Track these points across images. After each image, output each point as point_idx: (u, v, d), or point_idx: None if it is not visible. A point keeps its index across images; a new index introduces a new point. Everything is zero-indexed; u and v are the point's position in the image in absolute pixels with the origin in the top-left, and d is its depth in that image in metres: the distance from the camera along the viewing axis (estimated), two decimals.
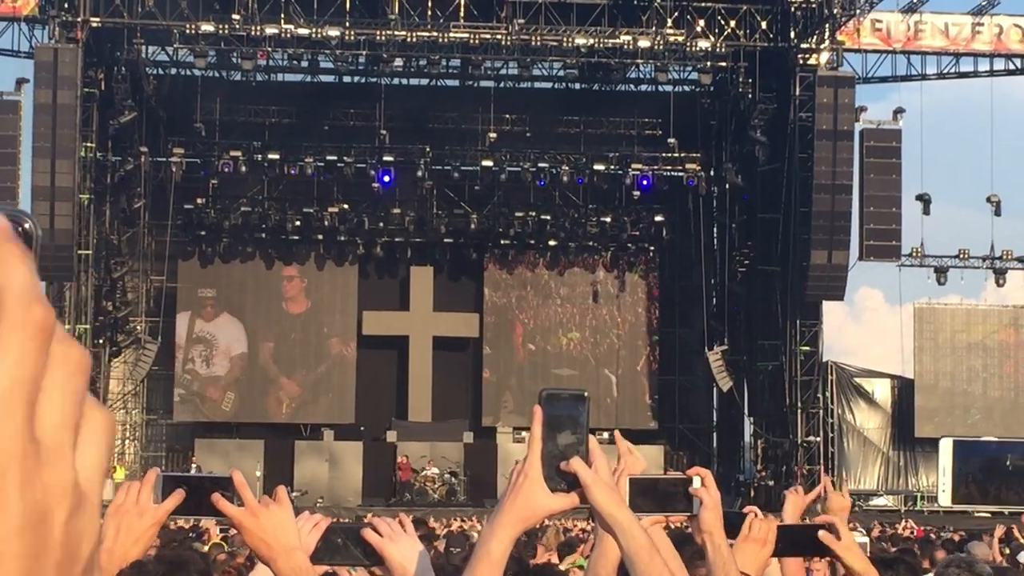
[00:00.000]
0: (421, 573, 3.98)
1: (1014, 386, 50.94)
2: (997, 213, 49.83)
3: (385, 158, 49.37)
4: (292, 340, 52.93)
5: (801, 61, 46.54)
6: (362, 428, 51.17)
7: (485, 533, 3.26)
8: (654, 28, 45.84)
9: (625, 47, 45.97)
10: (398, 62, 47.81)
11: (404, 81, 51.53)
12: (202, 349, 52.44)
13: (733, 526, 4.92)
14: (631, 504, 3.60)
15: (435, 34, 45.77)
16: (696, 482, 3.96)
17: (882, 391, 51.45)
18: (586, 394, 3.20)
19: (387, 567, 4.01)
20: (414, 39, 45.73)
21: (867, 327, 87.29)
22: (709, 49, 46.46)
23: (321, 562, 4.00)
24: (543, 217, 51.38)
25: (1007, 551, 14.69)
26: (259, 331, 52.79)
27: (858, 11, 45.77)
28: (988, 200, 49.90)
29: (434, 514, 36.80)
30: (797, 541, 5.13)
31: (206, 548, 14.19)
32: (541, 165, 49.92)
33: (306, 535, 4.00)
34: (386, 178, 49.46)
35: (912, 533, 22.82)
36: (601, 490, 3.18)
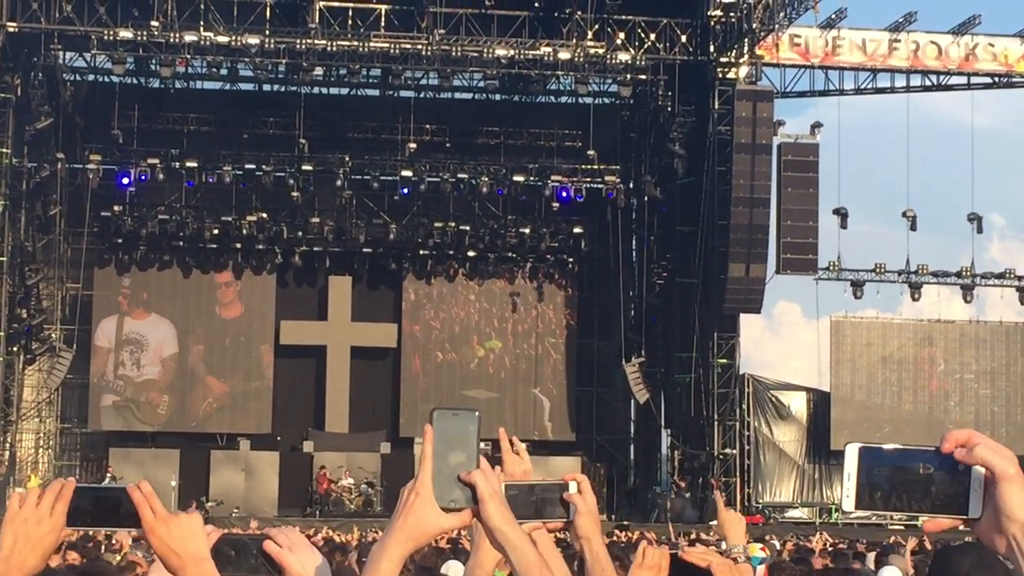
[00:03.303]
0: None
1: (927, 400, 51.37)
2: (913, 228, 50.28)
3: (304, 167, 49.20)
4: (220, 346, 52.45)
5: (720, 75, 46.82)
6: (279, 438, 50.90)
7: (375, 552, 3.25)
8: (575, 40, 45.97)
9: (545, 59, 46.08)
10: (318, 71, 47.69)
11: (324, 90, 51.41)
12: (132, 349, 51.78)
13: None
14: None
15: (355, 43, 45.70)
16: (572, 487, 3.92)
17: (798, 404, 51.71)
18: (477, 413, 3.19)
19: None
20: (334, 48, 45.66)
21: (784, 340, 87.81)
22: (629, 62, 46.63)
23: None
24: (462, 228, 51.24)
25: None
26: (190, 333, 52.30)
27: (777, 26, 46.02)
28: (904, 215, 50.32)
29: (350, 525, 36.73)
30: (689, 573, 5.09)
31: (118, 558, 14.05)
32: (461, 176, 49.88)
33: None
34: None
35: (827, 546, 22.96)
36: (495, 506, 3.17)
